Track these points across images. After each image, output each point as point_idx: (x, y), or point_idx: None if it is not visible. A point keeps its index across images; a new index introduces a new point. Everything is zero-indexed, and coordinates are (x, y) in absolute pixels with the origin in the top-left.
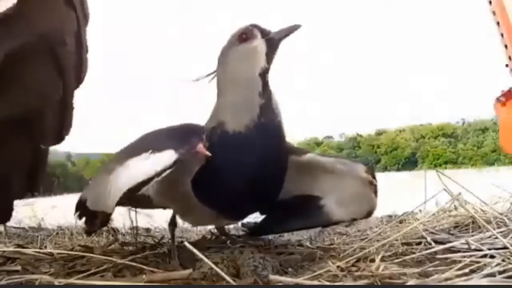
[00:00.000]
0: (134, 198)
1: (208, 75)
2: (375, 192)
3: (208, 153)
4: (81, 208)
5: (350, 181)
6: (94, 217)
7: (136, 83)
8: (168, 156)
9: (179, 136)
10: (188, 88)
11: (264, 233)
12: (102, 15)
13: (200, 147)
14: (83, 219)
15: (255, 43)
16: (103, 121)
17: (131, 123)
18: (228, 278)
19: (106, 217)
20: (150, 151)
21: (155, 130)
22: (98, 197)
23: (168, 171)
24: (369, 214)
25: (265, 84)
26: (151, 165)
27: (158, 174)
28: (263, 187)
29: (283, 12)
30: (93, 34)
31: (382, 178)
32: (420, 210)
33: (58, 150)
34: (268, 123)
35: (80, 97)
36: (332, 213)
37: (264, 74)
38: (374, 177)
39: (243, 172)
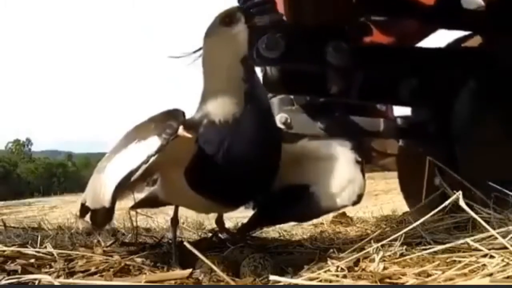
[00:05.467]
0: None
1: (196, 51)
2: (362, 172)
3: (189, 135)
4: (84, 210)
5: (336, 164)
6: (96, 216)
7: (137, 83)
8: (152, 143)
9: (161, 122)
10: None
11: (252, 228)
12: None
13: (181, 130)
14: (89, 219)
15: (237, 29)
16: (104, 121)
17: (131, 123)
18: (227, 278)
19: (107, 212)
20: (136, 140)
21: (141, 122)
22: (95, 196)
23: (154, 157)
24: (359, 198)
25: (248, 69)
26: (138, 154)
27: (145, 162)
28: (255, 173)
29: None
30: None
31: (382, 178)
32: None
33: (58, 150)
34: (255, 109)
35: (82, 98)
36: (321, 202)
37: (245, 60)
38: (360, 155)
39: (233, 161)
